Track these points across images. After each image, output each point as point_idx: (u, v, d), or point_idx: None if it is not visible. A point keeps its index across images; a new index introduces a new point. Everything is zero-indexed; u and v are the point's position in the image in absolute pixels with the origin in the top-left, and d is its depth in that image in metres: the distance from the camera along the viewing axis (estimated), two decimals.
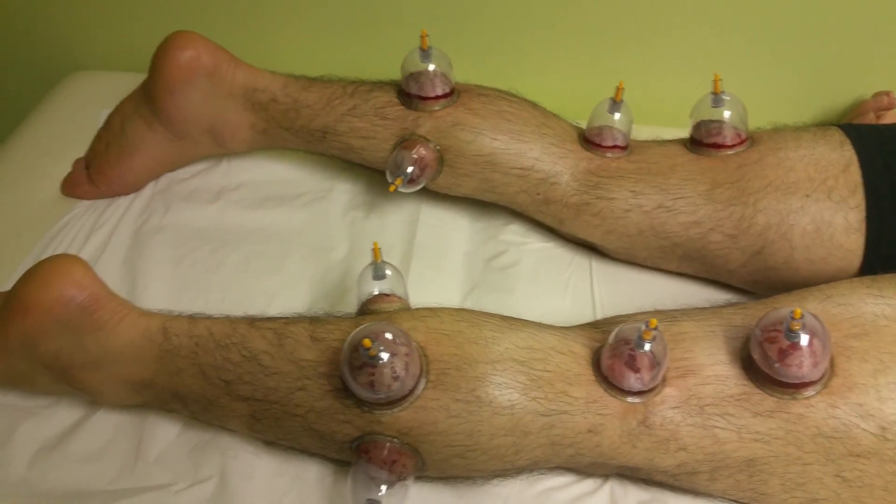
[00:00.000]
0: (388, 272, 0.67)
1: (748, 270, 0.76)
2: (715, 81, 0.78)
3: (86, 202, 0.85)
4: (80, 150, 0.88)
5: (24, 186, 0.87)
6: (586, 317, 0.76)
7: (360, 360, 0.55)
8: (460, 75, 0.82)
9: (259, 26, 1.03)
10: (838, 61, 0.98)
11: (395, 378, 0.55)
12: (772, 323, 0.58)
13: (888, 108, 0.94)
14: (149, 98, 0.82)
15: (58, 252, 0.78)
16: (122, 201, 0.85)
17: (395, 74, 0.81)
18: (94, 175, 0.85)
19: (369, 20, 1.00)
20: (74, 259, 0.65)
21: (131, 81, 0.86)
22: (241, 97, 0.82)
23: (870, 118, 0.94)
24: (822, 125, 0.79)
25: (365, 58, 1.01)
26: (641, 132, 0.85)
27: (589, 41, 0.99)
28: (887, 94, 0.95)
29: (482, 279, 0.80)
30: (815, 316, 0.58)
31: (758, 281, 0.77)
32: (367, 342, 0.53)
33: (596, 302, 0.78)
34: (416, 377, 0.57)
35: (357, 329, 0.57)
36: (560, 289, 0.80)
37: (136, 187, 0.87)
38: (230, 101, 0.82)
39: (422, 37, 0.78)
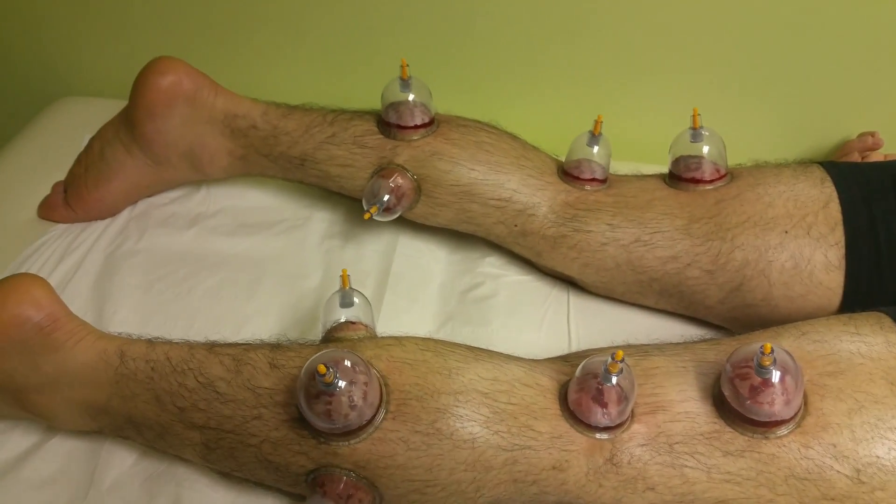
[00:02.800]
0: (356, 300, 0.66)
1: (727, 307, 0.75)
2: (694, 116, 0.78)
3: (62, 225, 0.85)
4: (62, 174, 0.88)
5: (2, 208, 0.87)
6: (561, 351, 0.74)
7: (316, 388, 0.54)
8: (441, 106, 0.82)
9: (243, 55, 1.04)
10: (822, 101, 0.98)
11: (353, 407, 0.54)
12: (743, 359, 0.57)
13: (873, 149, 0.94)
14: (129, 123, 0.82)
15: None
16: (98, 225, 0.85)
17: (378, 105, 0.81)
18: (72, 198, 0.85)
19: (352, 50, 1.01)
20: (34, 278, 0.64)
21: (118, 108, 0.86)
22: (220, 123, 0.82)
23: (854, 158, 0.94)
24: (804, 162, 0.79)
25: (348, 87, 1.02)
26: (621, 168, 0.84)
27: (570, 76, 0.99)
28: (872, 134, 0.95)
29: (457, 311, 0.79)
30: (786, 352, 0.56)
31: (737, 318, 0.76)
32: (321, 368, 0.52)
33: (572, 336, 0.77)
34: (374, 407, 0.56)
35: (314, 356, 0.55)
36: (536, 322, 0.78)
37: (112, 212, 0.86)
38: (209, 127, 0.82)
39: (402, 66, 0.78)
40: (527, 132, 0.85)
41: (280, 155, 0.82)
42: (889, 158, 0.92)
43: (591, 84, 1.00)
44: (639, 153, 0.97)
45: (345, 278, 0.66)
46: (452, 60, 1.00)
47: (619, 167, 0.83)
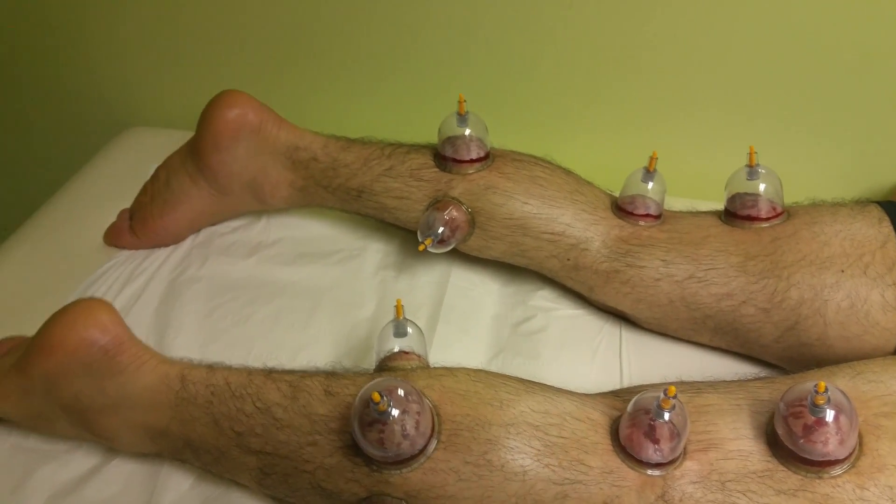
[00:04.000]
0: (410, 330, 0.67)
1: (781, 346, 0.74)
2: (750, 154, 0.78)
3: (126, 252, 0.88)
4: (128, 201, 0.92)
5: (70, 235, 0.91)
6: (612, 386, 0.74)
7: (370, 415, 0.55)
8: (497, 140, 0.84)
9: (303, 88, 1.08)
10: (882, 139, 0.96)
11: (405, 436, 0.55)
12: (797, 397, 0.56)
13: None
14: (195, 153, 0.86)
15: None
16: (162, 252, 0.88)
17: (434, 138, 0.83)
18: (137, 225, 0.89)
19: (411, 84, 1.04)
20: (100, 302, 0.67)
21: (184, 138, 0.90)
22: (282, 155, 0.85)
23: None
24: (861, 201, 0.78)
25: (406, 121, 1.04)
26: (676, 204, 0.84)
27: (626, 111, 1.00)
28: None
29: (508, 344, 0.79)
30: (841, 391, 0.55)
31: (792, 357, 0.74)
32: (376, 396, 0.53)
33: (623, 372, 0.77)
34: (426, 436, 0.56)
35: (369, 384, 0.57)
36: (587, 357, 0.78)
37: (176, 239, 0.90)
38: (272, 159, 0.85)
39: (459, 102, 0.80)
40: (582, 168, 0.86)
41: (339, 186, 0.84)
42: None
43: (647, 120, 1.00)
44: (694, 190, 0.96)
45: (399, 308, 0.68)
46: (509, 95, 1.01)
47: (674, 203, 0.83)
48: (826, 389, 0.54)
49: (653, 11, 0.90)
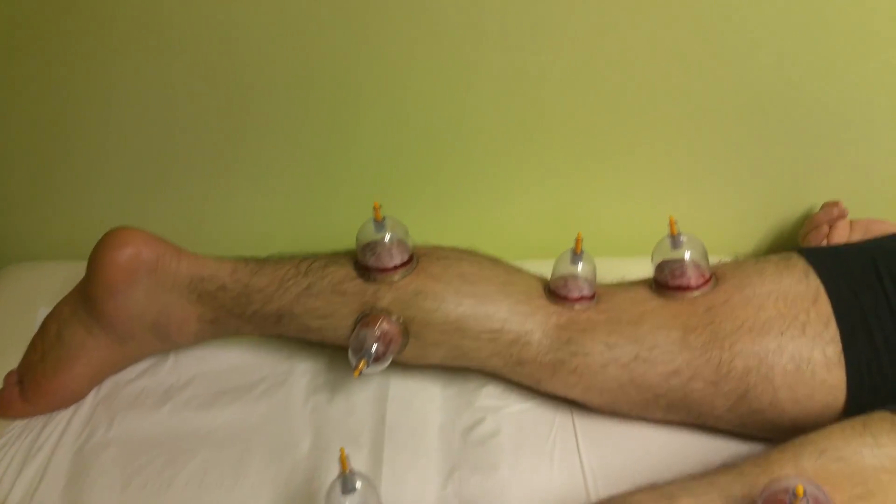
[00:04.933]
0: (358, 484, 0.61)
1: (734, 415, 0.74)
2: (671, 224, 0.78)
3: (20, 422, 0.77)
4: (13, 360, 0.81)
5: None
6: (578, 489, 0.71)
7: None
8: (418, 227, 0.80)
9: (206, 204, 1.00)
10: (783, 174, 1.00)
11: None
12: (774, 495, 0.55)
13: (839, 219, 0.95)
14: (87, 300, 0.77)
15: None
16: (62, 416, 0.78)
17: (352, 240, 0.78)
18: (29, 390, 0.78)
19: (321, 187, 0.99)
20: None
21: (75, 271, 0.80)
22: (186, 289, 0.77)
23: (823, 231, 0.95)
24: (782, 253, 0.79)
25: (320, 226, 0.99)
26: (602, 265, 0.81)
27: (540, 177, 0.99)
28: (836, 204, 0.97)
29: (462, 458, 0.75)
30: (816, 486, 0.55)
31: (745, 424, 0.74)
32: None
33: (585, 469, 0.74)
34: None
35: None
36: (546, 458, 0.75)
37: (76, 398, 0.79)
38: (175, 295, 0.77)
39: (375, 209, 0.75)
40: (507, 238, 0.83)
41: (254, 314, 0.78)
42: (854, 224, 0.95)
43: (561, 183, 0.99)
44: (617, 247, 0.97)
45: (343, 461, 0.62)
46: (421, 181, 0.98)
47: (601, 264, 0.81)
48: (804, 493, 0.53)
49: (547, 78, 0.90)
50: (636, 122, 0.94)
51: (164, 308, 0.77)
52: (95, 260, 0.76)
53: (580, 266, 0.78)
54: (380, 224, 0.76)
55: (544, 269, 0.81)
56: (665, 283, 0.77)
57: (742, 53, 0.88)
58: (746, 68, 0.89)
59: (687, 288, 0.76)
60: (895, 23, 0.87)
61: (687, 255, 0.77)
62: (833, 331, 0.71)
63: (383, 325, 0.75)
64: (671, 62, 0.88)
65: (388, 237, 0.76)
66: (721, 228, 1.03)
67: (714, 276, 0.78)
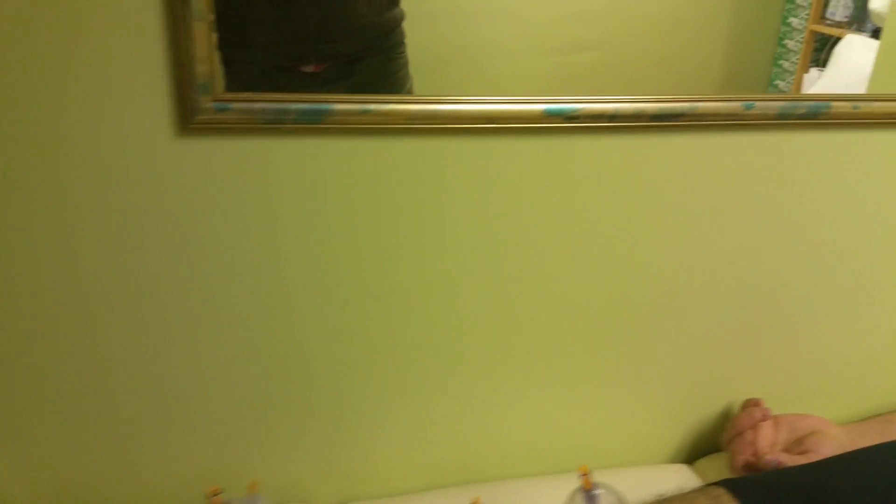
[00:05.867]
0: None
1: None
2: (584, 477, 0.71)
3: None
4: None
5: None
6: None
7: None
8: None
9: None
10: (699, 373, 0.95)
11: None
12: None
13: (762, 421, 0.90)
14: None
15: None
16: None
17: None
18: None
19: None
20: None
21: None
22: None
23: (747, 438, 0.89)
24: (710, 489, 0.72)
25: None
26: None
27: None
28: (756, 404, 0.92)
29: None
30: None
31: None
32: None
33: None
34: None
35: None
36: None
37: None
38: None
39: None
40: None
41: None
42: (779, 421, 0.90)
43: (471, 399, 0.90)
44: (531, 467, 0.91)
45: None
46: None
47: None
48: None
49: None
50: (543, 338, 0.88)
51: None
52: None
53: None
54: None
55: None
56: None
57: (641, 257, 0.85)
58: (644, 272, 0.86)
59: None
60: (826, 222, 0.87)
61: None
62: None
63: None
64: (570, 270, 0.84)
65: None
66: (642, 436, 0.96)
67: None
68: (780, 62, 0.85)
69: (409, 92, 0.73)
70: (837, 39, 0.85)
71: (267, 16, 0.68)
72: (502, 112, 0.73)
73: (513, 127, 0.74)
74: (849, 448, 0.81)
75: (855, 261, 0.92)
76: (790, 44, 0.85)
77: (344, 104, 0.68)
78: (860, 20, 0.85)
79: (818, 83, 0.85)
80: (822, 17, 0.85)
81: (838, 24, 0.85)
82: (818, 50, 0.85)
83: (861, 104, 0.82)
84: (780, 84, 0.85)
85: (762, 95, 0.80)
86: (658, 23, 0.80)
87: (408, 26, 0.72)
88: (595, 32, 0.77)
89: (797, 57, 0.84)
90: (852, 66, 0.86)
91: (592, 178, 0.79)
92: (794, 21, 0.85)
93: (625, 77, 0.79)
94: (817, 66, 0.85)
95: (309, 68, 0.70)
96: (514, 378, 0.88)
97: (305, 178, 0.72)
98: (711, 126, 0.79)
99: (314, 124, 0.69)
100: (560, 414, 0.92)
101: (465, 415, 0.89)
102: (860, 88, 0.84)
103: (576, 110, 0.74)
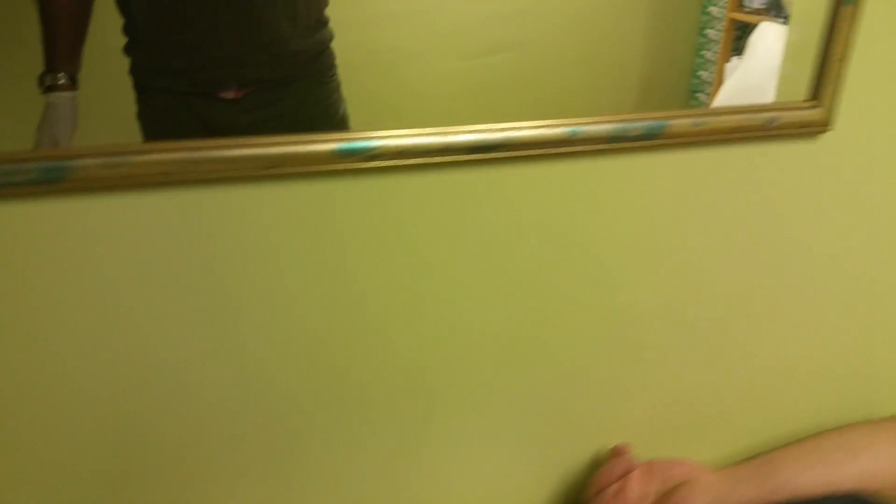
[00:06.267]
0: None
1: None
2: None
3: None
4: None
5: None
6: None
7: None
8: None
9: None
10: (553, 422, 0.90)
11: None
12: None
13: (628, 472, 0.86)
14: None
15: None
16: None
17: None
18: None
19: None
20: None
21: None
22: None
23: (612, 492, 0.84)
24: None
25: None
26: None
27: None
28: (621, 453, 0.88)
29: None
30: None
31: None
32: None
33: None
34: None
35: None
36: None
37: None
38: None
39: None
40: None
41: None
42: (651, 468, 0.87)
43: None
44: None
45: None
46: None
47: None
48: None
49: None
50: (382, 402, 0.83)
51: None
52: None
53: None
54: None
55: None
56: None
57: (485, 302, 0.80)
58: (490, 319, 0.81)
59: None
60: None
61: None
62: None
63: None
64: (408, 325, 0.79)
65: None
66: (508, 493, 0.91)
67: None
68: (703, 52, 0.83)
69: (344, 117, 0.69)
70: (755, 27, 0.84)
71: (181, 38, 0.62)
72: (288, 154, 0.65)
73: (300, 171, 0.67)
74: (721, 500, 0.81)
75: (712, 297, 0.88)
76: (711, 33, 0.83)
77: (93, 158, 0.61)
78: (777, 7, 0.84)
79: (734, 74, 0.84)
80: (740, 5, 0.83)
81: (756, 12, 0.84)
82: (739, 38, 0.83)
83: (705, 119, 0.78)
84: (704, 74, 0.84)
85: (591, 119, 0.74)
86: (576, 20, 0.76)
87: None
88: (511, 33, 0.74)
89: (718, 46, 0.83)
90: (766, 53, 0.85)
91: (391, 231, 0.73)
92: (713, 10, 0.83)
93: (542, 77, 0.76)
94: (738, 54, 0.84)
95: (229, 94, 0.65)
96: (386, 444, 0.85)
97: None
98: (531, 157, 0.73)
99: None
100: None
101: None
102: (773, 76, 0.84)
103: (374, 147, 0.67)
